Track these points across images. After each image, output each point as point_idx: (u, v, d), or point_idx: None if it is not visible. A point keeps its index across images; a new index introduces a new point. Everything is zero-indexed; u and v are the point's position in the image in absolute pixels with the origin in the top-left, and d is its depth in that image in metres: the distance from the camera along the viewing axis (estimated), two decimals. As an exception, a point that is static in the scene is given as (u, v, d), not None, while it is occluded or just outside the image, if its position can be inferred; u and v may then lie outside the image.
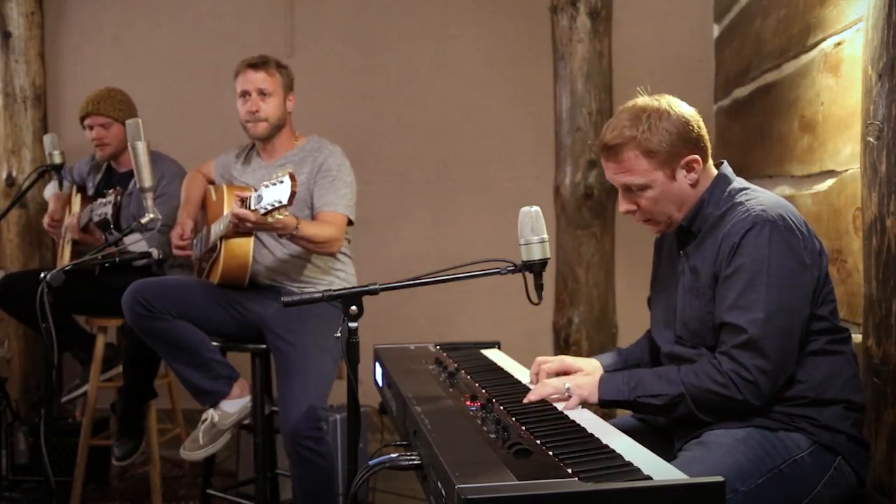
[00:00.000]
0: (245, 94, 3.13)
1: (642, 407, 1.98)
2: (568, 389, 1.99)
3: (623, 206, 2.08)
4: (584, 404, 1.98)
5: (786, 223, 1.90)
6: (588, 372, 2.13)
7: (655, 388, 1.94)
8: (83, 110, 3.69)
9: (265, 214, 2.64)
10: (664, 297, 2.16)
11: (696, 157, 2.00)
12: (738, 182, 2.06)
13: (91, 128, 3.68)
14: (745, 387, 1.86)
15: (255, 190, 2.73)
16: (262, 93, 3.11)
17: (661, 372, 2.00)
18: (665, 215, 2.05)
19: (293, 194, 2.55)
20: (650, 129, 1.97)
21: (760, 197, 1.98)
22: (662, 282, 2.20)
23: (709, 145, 2.05)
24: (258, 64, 3.13)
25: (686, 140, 1.99)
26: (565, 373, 2.13)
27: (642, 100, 2.04)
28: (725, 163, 2.10)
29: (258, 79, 3.12)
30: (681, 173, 2.00)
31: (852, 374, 1.98)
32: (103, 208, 3.33)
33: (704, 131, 2.04)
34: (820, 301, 1.94)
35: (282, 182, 2.57)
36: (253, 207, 2.70)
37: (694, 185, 2.01)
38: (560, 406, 1.94)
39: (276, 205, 2.58)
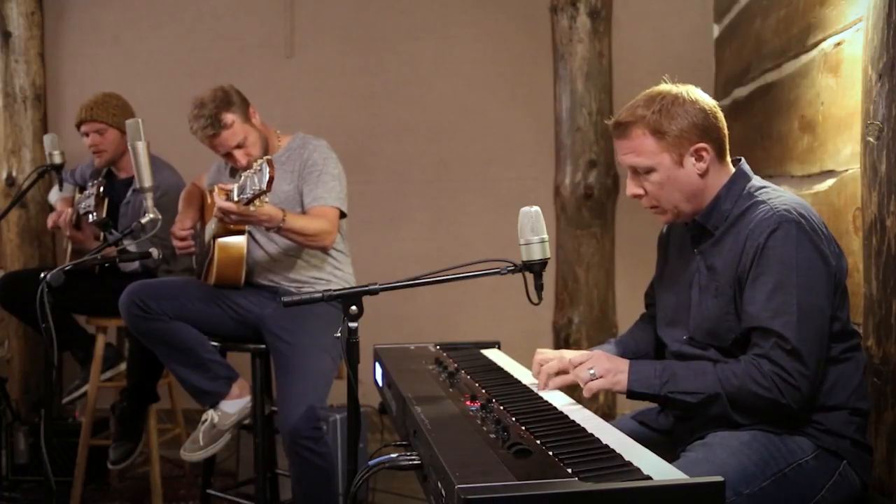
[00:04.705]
0: (227, 155, 3.09)
1: (671, 403, 1.92)
2: (592, 375, 1.93)
3: (630, 188, 2.05)
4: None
5: (809, 223, 1.88)
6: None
7: (690, 385, 1.88)
8: (78, 117, 3.67)
9: (247, 203, 2.64)
10: (672, 296, 2.13)
11: (706, 145, 1.97)
12: (757, 180, 2.04)
13: (87, 134, 3.66)
14: (788, 391, 1.82)
15: (238, 182, 2.74)
16: (238, 146, 3.05)
17: (694, 368, 1.93)
18: (671, 203, 2.02)
19: (271, 179, 2.52)
20: (661, 110, 1.96)
21: (783, 196, 1.95)
22: (670, 280, 2.16)
23: (725, 139, 2.03)
24: (215, 132, 3.00)
25: (697, 127, 1.96)
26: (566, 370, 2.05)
27: (663, 85, 2.03)
28: (743, 160, 2.07)
29: (225, 140, 3.03)
30: (689, 160, 1.97)
31: (859, 382, 1.97)
32: (87, 200, 3.32)
33: (722, 123, 2.02)
34: (838, 304, 1.93)
35: (260, 170, 2.56)
36: (236, 199, 2.70)
37: (703, 174, 1.98)
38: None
39: (256, 192, 2.56)
